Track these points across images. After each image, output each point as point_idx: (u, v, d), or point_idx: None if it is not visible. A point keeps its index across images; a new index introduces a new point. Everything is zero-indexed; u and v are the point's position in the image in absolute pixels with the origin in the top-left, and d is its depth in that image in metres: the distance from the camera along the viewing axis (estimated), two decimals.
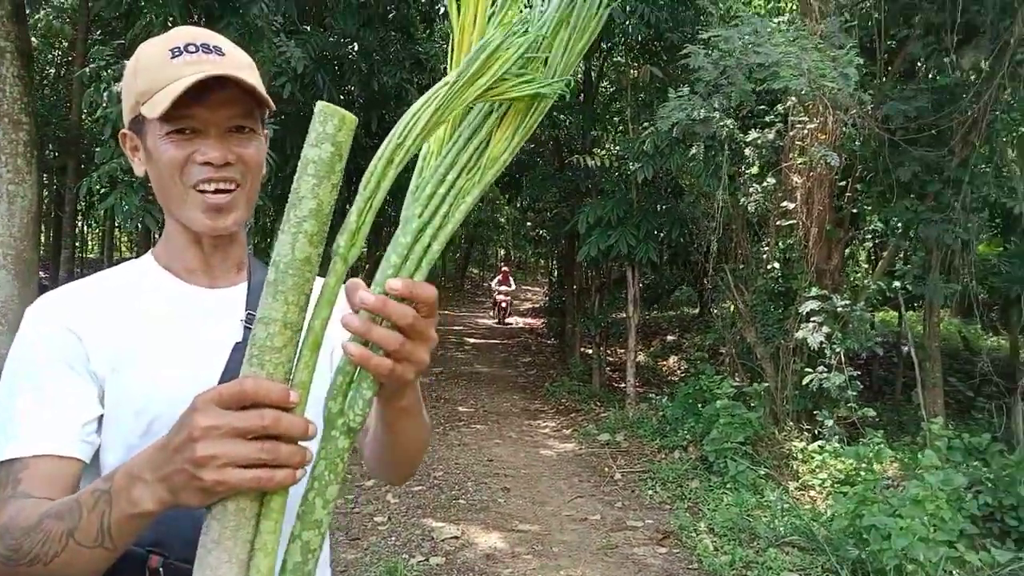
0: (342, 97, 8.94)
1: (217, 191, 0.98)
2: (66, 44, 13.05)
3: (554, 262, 20.67)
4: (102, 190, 7.08)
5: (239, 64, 1.00)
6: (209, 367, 0.99)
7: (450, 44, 0.76)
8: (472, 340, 15.06)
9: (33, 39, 10.12)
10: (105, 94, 5.94)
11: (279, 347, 0.70)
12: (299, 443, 0.72)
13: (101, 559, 0.78)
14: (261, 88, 0.98)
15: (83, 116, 11.01)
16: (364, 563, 4.18)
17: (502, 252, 30.19)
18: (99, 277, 1.07)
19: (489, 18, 0.74)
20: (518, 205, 16.36)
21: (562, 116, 12.21)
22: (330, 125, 0.70)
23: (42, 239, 11.27)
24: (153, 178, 1.01)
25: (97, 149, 7.88)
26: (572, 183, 10.56)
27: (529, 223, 19.38)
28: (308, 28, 8.22)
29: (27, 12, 7.40)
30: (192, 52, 0.97)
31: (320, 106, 0.71)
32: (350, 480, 5.73)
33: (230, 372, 0.98)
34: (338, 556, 4.31)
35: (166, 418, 0.88)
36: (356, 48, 9.06)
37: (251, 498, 0.71)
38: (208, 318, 1.05)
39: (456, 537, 4.68)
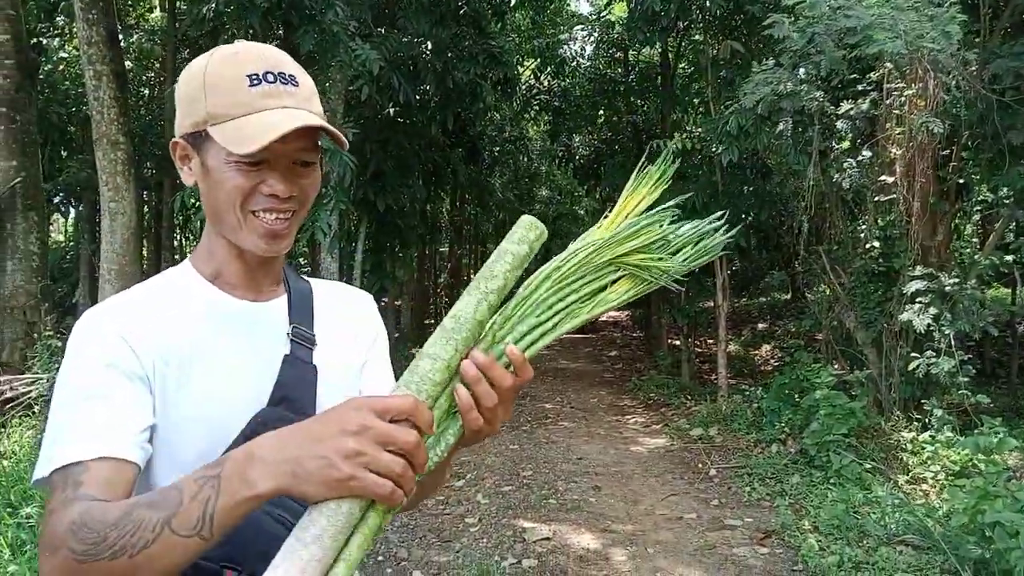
0: (418, 97, 8.99)
1: (276, 218, 0.99)
2: (158, 65, 13.67)
3: None
4: (196, 203, 7.35)
5: (310, 92, 1.01)
6: (261, 379, 1.01)
7: (609, 211, 0.96)
8: None
9: (127, 62, 10.64)
10: None
11: (436, 381, 0.80)
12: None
13: (192, 551, 0.76)
14: (333, 129, 0.99)
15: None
16: (456, 565, 4.16)
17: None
18: (145, 288, 1.05)
19: (645, 210, 0.94)
20: (597, 195, 16.15)
21: (640, 102, 11.97)
22: (532, 233, 0.88)
23: (145, 253, 11.86)
24: (208, 195, 1.00)
25: None
26: None
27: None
28: (382, 31, 8.29)
29: (120, 37, 7.76)
30: (270, 82, 0.97)
31: (527, 219, 0.90)
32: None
33: (282, 385, 1.01)
34: (430, 558, 4.30)
35: (222, 430, 0.95)
36: (429, 47, 9.11)
37: (360, 507, 0.75)
38: (256, 330, 1.05)
39: (548, 538, 4.60)
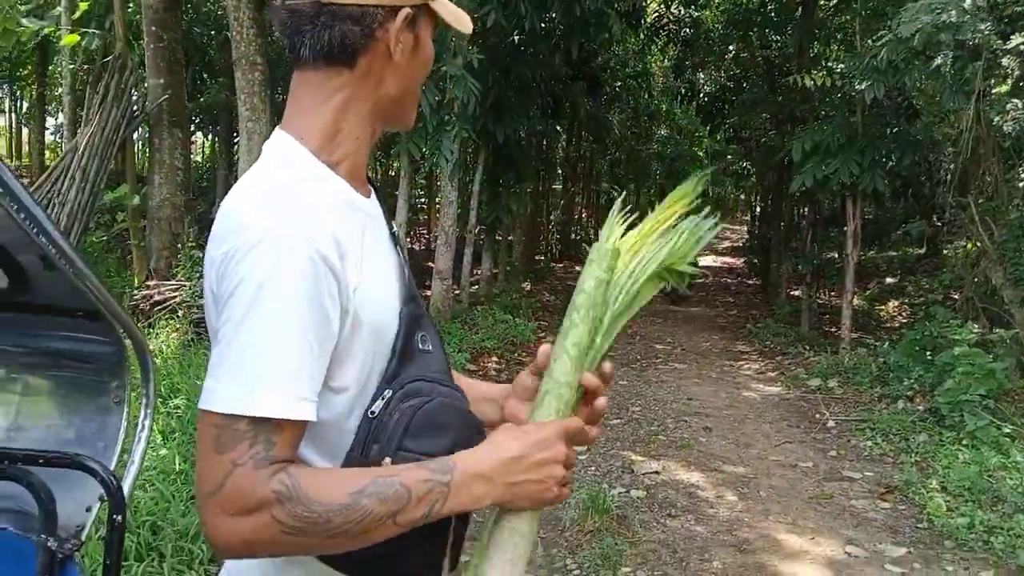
0: (543, 25, 8.80)
1: None
2: None
3: (758, 197, 19.46)
4: None
5: None
6: (391, 277, 1.01)
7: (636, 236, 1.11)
8: None
9: None
10: None
11: (572, 404, 1.02)
12: None
13: (403, 531, 0.86)
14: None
15: None
16: None
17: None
18: (304, 183, 0.91)
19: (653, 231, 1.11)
20: (718, 137, 15.50)
21: (775, 36, 11.27)
22: (613, 259, 1.05)
23: None
24: (409, 72, 0.98)
25: None
26: (785, 107, 9.74)
27: (730, 156, 18.32)
28: None
29: None
30: None
31: (602, 247, 1.06)
32: None
33: (408, 285, 1.03)
34: None
35: (389, 331, 0.96)
36: None
37: (536, 517, 0.98)
38: (381, 227, 1.04)
39: (657, 472, 4.60)
